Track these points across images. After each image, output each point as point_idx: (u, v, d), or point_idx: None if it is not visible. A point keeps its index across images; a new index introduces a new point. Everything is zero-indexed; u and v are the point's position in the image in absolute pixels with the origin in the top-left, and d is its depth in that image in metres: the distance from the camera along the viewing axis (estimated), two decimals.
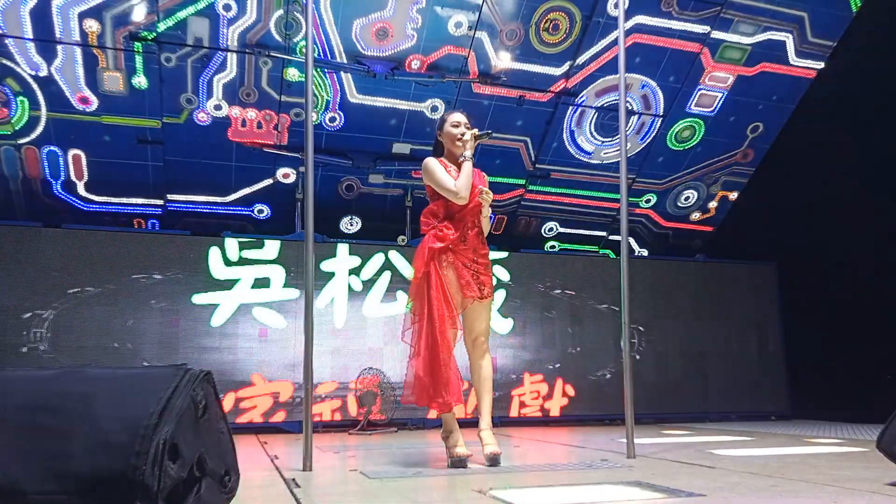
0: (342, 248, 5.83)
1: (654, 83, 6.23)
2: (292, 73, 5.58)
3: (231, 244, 5.55)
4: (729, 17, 5.90)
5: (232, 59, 5.46)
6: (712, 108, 6.47)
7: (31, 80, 5.19)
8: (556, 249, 7.05)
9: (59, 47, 5.11)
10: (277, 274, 5.62)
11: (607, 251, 7.07)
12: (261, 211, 6.25)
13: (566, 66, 5.98)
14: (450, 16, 5.53)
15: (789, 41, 6.12)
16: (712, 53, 6.11)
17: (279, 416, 5.46)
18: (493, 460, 3.05)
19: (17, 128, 5.36)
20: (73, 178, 5.68)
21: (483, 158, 6.00)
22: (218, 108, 5.64)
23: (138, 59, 5.26)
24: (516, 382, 6.11)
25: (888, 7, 5.59)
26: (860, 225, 5.80)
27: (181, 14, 5.16)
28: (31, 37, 5.03)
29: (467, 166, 3.24)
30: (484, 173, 3.48)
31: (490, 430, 3.17)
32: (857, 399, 5.49)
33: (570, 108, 6.26)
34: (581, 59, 5.97)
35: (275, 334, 5.56)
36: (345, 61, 5.60)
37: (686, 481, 2.50)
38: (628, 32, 5.72)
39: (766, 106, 6.51)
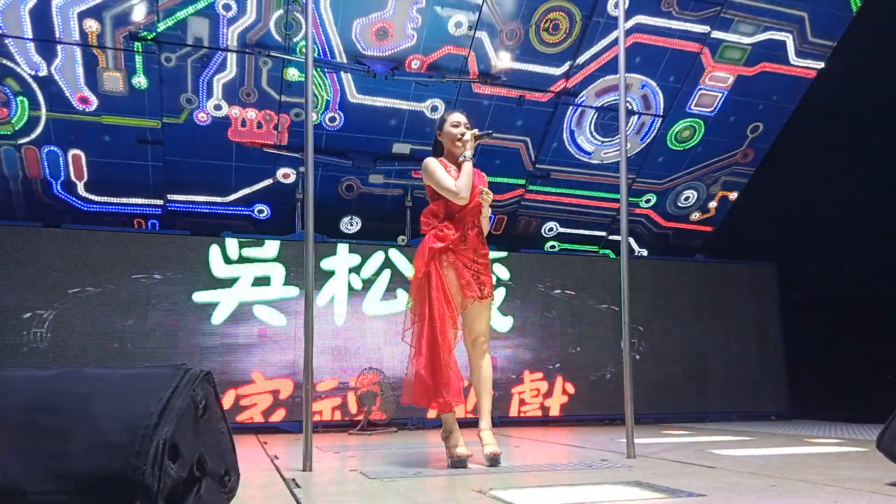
0: (342, 248, 5.83)
1: (654, 83, 6.23)
2: (292, 73, 5.58)
3: (231, 243, 5.56)
4: (729, 17, 5.90)
5: (232, 59, 5.46)
6: (712, 108, 6.47)
7: (31, 80, 5.19)
8: (556, 249, 7.05)
9: (59, 47, 5.11)
10: (277, 272, 5.62)
11: (607, 251, 7.07)
12: (261, 211, 6.25)
13: (566, 66, 5.98)
14: (450, 16, 5.53)
15: (789, 41, 6.12)
16: (712, 53, 6.11)
17: (279, 415, 5.46)
18: (493, 460, 3.05)
19: (17, 128, 5.36)
20: (73, 178, 5.68)
21: (483, 158, 6.00)
22: (218, 108, 5.64)
23: (138, 59, 5.26)
24: (516, 381, 6.11)
25: (888, 7, 5.59)
26: (860, 225, 5.79)
27: (181, 14, 5.16)
28: (31, 37, 5.03)
29: (467, 166, 3.24)
30: (483, 173, 3.48)
31: (490, 430, 3.17)
32: (857, 399, 5.49)
33: (570, 108, 6.26)
34: (581, 59, 5.97)
35: (275, 332, 5.56)
36: (345, 61, 5.60)
37: (686, 481, 2.50)
38: (628, 32, 5.72)
39: (766, 106, 6.51)
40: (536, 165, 6.56)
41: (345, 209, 6.43)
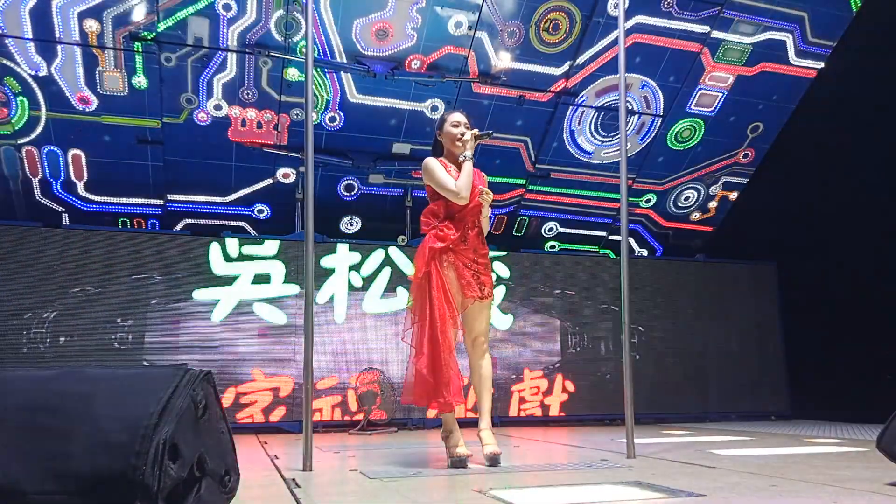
0: (342, 248, 5.83)
1: (654, 83, 6.23)
2: (292, 73, 5.58)
3: (231, 242, 5.56)
4: (729, 17, 5.90)
5: (232, 58, 5.46)
6: (712, 108, 6.47)
7: (31, 80, 5.19)
8: (556, 249, 7.05)
9: (58, 47, 5.11)
10: (277, 270, 5.63)
11: (607, 251, 7.07)
12: (261, 211, 6.25)
13: (566, 66, 5.98)
14: (450, 16, 5.53)
15: (789, 41, 6.12)
16: (712, 53, 6.11)
17: (279, 413, 5.46)
18: (493, 460, 3.05)
19: (17, 128, 5.36)
20: (72, 178, 5.68)
21: (483, 158, 6.00)
22: (218, 107, 5.64)
23: (138, 59, 5.26)
24: (516, 379, 6.11)
25: (888, 7, 5.59)
26: (860, 225, 5.79)
27: (181, 14, 5.16)
28: (31, 37, 5.03)
29: (468, 166, 3.24)
30: (483, 173, 3.48)
31: (490, 429, 3.17)
32: (857, 399, 5.49)
33: (570, 107, 6.26)
34: (581, 59, 5.96)
35: (275, 330, 5.56)
36: (345, 61, 5.60)
37: (686, 481, 2.50)
38: (628, 32, 5.72)
39: (766, 106, 6.51)
40: (536, 165, 6.56)
41: (345, 209, 6.43)
